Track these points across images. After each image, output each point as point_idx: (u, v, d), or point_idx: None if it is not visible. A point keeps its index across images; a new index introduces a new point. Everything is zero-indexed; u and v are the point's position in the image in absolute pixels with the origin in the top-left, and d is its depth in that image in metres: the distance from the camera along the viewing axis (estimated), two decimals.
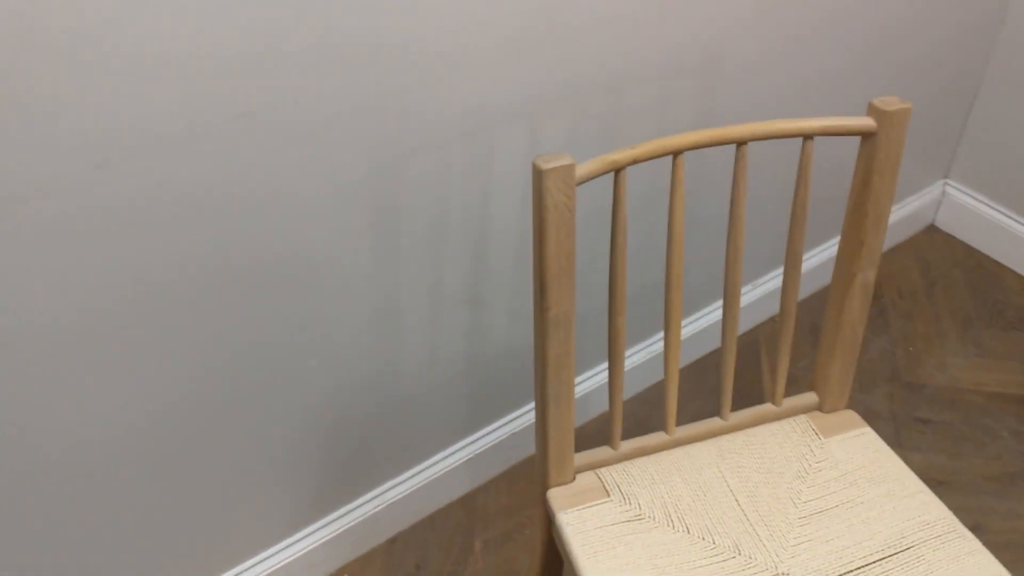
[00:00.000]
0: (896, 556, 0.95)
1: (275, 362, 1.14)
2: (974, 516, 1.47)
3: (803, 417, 1.10)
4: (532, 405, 1.53)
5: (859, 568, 0.94)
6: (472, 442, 1.47)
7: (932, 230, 2.06)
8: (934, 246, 2.01)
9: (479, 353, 1.37)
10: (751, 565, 0.94)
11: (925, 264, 1.97)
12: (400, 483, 1.42)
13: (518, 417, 1.52)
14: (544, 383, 0.95)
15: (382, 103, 1.03)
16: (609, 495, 1.01)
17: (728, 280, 1.00)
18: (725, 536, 0.97)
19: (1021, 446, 1.58)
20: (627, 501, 1.00)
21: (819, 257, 1.86)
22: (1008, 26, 1.78)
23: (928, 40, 1.66)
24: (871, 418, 1.63)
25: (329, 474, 1.32)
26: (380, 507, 1.41)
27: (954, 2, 1.64)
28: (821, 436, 1.08)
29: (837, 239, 1.87)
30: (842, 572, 0.93)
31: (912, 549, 0.95)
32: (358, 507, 1.39)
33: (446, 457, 1.45)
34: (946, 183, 2.02)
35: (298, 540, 1.35)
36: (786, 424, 1.10)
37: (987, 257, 1.98)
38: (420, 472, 1.43)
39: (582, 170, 0.86)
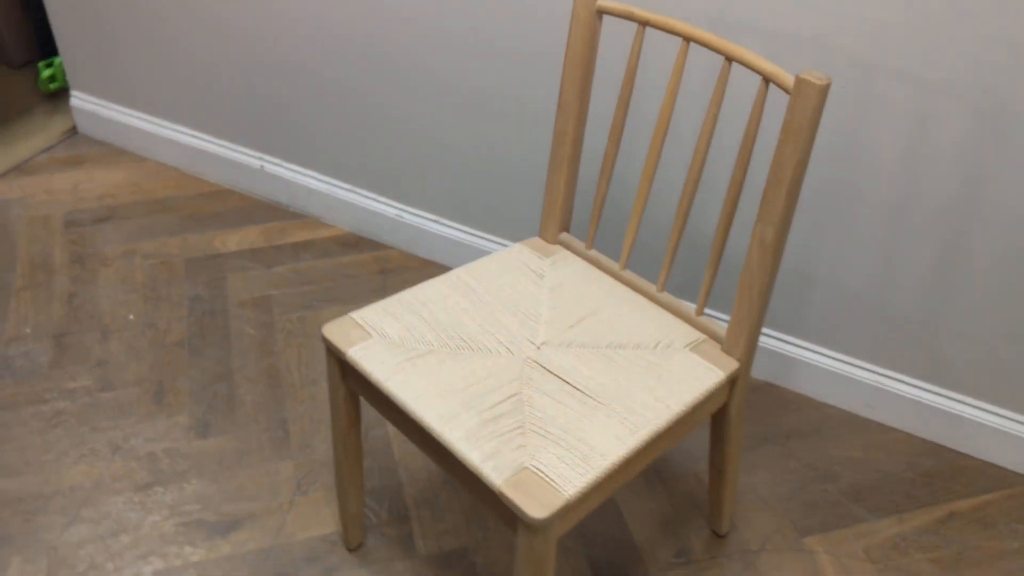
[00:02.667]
0: (620, 351, 1.13)
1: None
2: None
3: (703, 339, 1.24)
4: None
5: (591, 349, 1.15)
6: None
7: None
8: None
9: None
10: (521, 321, 1.23)
11: None
12: None
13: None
14: (551, 150, 1.35)
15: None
16: (546, 260, 1.36)
17: (690, 172, 1.21)
18: (548, 311, 1.26)
19: None
20: (543, 265, 1.35)
21: None
22: None
23: None
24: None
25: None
26: None
27: None
28: (702, 358, 1.21)
29: None
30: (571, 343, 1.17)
31: (634, 350, 1.12)
32: None
33: None
34: None
35: None
36: (685, 328, 1.25)
37: None
38: None
39: (604, 3, 1.21)
